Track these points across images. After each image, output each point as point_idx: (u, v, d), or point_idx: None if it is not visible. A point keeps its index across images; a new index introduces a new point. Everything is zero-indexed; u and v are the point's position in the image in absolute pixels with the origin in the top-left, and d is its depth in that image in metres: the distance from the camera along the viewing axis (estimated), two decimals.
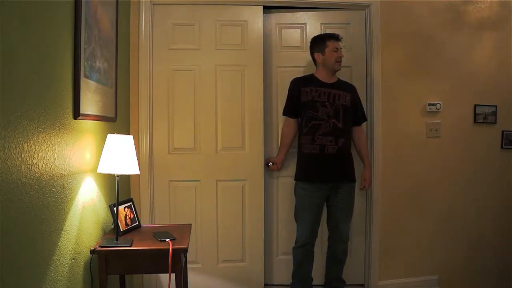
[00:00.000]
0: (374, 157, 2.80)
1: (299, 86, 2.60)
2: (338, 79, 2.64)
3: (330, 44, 2.54)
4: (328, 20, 2.90)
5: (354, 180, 2.61)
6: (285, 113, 2.69)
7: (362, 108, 2.70)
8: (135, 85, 2.66)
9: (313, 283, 2.69)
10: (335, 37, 2.56)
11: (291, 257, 2.65)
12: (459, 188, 2.92)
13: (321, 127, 2.50)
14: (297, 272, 2.62)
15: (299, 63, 2.87)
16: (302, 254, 2.57)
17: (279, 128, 2.82)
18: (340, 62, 2.57)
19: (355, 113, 2.62)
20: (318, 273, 2.80)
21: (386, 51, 2.80)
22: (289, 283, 2.69)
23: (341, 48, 2.58)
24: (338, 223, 2.57)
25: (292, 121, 2.66)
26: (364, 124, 2.72)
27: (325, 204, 2.59)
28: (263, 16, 2.81)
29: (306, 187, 2.54)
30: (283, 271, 2.83)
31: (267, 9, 2.87)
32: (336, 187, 2.53)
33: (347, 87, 2.62)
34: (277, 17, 2.91)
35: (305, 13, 2.90)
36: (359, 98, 2.67)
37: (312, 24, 2.90)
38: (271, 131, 2.87)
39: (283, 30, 2.90)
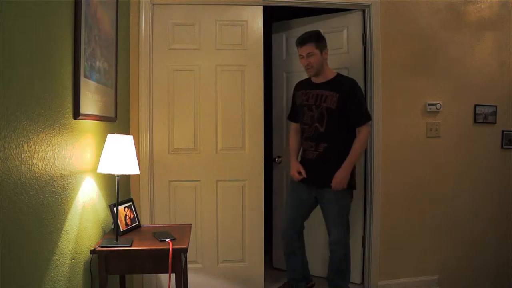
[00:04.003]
0: (374, 157, 2.80)
1: (295, 90, 2.65)
2: (335, 76, 2.48)
3: (298, 51, 2.46)
4: (329, 26, 2.95)
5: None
6: (288, 117, 2.72)
7: (358, 109, 2.41)
8: (135, 85, 2.66)
9: (316, 275, 2.78)
10: (298, 42, 2.45)
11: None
12: (459, 188, 2.92)
13: (305, 132, 2.49)
14: (287, 262, 2.62)
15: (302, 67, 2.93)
16: (286, 247, 2.57)
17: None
18: (309, 69, 2.44)
19: (348, 115, 2.40)
20: (319, 265, 2.81)
21: (386, 51, 2.80)
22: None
23: (309, 54, 2.39)
24: (328, 227, 2.51)
25: (294, 125, 2.67)
26: (366, 128, 2.41)
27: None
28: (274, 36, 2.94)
29: (293, 183, 2.56)
30: None
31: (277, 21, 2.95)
32: (320, 191, 2.45)
33: (338, 86, 2.41)
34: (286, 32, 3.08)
35: (310, 24, 2.96)
36: (353, 98, 2.39)
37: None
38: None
39: (290, 39, 3.05)
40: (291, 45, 3.07)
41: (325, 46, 2.45)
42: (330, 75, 2.47)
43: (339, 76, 2.48)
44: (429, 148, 2.87)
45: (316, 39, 2.42)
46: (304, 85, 2.56)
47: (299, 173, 2.49)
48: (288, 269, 2.62)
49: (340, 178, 2.35)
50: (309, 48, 2.39)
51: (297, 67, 3.02)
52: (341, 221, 2.45)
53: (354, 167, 2.43)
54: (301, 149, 2.60)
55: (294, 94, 2.63)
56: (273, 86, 3.20)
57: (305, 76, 2.95)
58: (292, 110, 2.67)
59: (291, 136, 2.67)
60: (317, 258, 2.94)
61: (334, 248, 2.47)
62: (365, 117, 2.42)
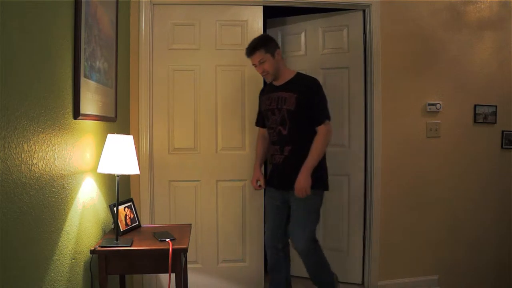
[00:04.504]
0: (374, 157, 2.80)
1: (260, 95, 2.55)
2: (294, 76, 2.37)
3: (251, 61, 2.37)
4: (327, 24, 2.95)
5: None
6: (255, 123, 2.63)
7: (316, 108, 2.28)
8: (135, 85, 2.66)
9: (295, 275, 2.70)
10: (246, 53, 2.35)
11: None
12: (458, 188, 2.92)
13: (271, 136, 2.41)
14: (271, 277, 2.50)
15: (300, 66, 2.95)
16: (270, 258, 2.46)
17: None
18: (266, 76, 2.36)
19: (308, 115, 2.28)
20: None
21: (386, 51, 2.80)
22: (299, 275, 2.74)
23: (261, 61, 2.30)
24: (292, 230, 2.34)
25: (261, 131, 2.58)
26: (324, 127, 2.27)
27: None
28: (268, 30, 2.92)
29: (268, 189, 2.47)
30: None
31: (270, 18, 2.92)
32: (290, 194, 2.31)
33: (296, 87, 2.30)
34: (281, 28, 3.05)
35: (306, 21, 2.97)
36: (311, 97, 2.27)
37: (312, 29, 2.96)
38: None
39: (285, 37, 3.04)
40: (287, 43, 3.06)
41: (276, 47, 2.33)
42: (289, 75, 2.37)
43: (297, 76, 2.37)
44: (429, 148, 2.87)
45: (264, 44, 2.30)
46: (268, 89, 2.46)
47: (259, 184, 2.46)
48: (271, 285, 2.49)
49: (300, 184, 2.21)
50: (259, 55, 2.29)
51: (293, 66, 3.00)
52: (305, 223, 2.28)
53: (325, 167, 2.35)
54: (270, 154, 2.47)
55: (259, 100, 2.54)
56: None
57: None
58: (258, 116, 2.57)
59: (257, 142, 2.61)
60: None
61: (302, 258, 2.33)
62: (323, 116, 2.28)
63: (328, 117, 2.30)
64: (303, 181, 2.22)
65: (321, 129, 2.28)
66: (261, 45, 2.30)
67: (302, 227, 2.29)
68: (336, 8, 2.87)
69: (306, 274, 2.93)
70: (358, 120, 2.88)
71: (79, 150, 1.70)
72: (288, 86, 2.33)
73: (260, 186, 2.50)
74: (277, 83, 2.39)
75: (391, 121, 2.82)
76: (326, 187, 2.37)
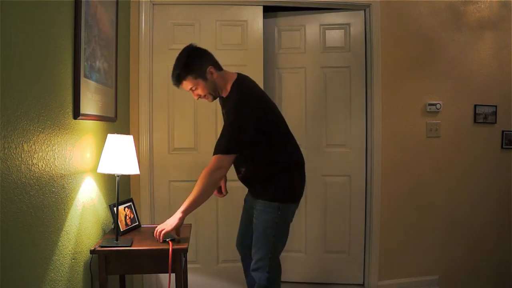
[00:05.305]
0: (374, 157, 2.80)
1: None
2: (230, 88, 1.91)
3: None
4: (327, 21, 2.93)
5: (264, 198, 1.91)
6: None
7: (221, 134, 1.85)
8: (135, 85, 2.66)
9: (296, 281, 2.67)
10: (173, 84, 1.90)
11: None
12: (458, 188, 2.92)
13: None
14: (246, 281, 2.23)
15: (299, 64, 2.94)
16: (242, 264, 2.22)
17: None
18: (206, 99, 1.95)
19: None
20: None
21: (386, 51, 2.80)
22: (293, 281, 2.71)
23: (193, 88, 1.88)
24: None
25: None
26: (215, 159, 1.79)
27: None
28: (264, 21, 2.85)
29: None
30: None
31: (267, 12, 2.88)
32: (255, 204, 1.98)
33: (229, 100, 1.89)
34: (277, 21, 2.97)
35: (304, 16, 2.93)
36: (231, 115, 1.84)
37: (312, 26, 2.94)
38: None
39: (282, 33, 2.97)
40: (284, 39, 2.96)
41: (206, 65, 1.86)
42: (229, 86, 1.92)
43: (231, 89, 1.91)
44: (429, 148, 2.87)
45: (188, 70, 1.84)
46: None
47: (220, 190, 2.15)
48: None
49: (164, 224, 1.84)
50: (187, 84, 1.87)
51: (291, 64, 2.96)
52: (258, 239, 1.91)
53: (288, 175, 1.92)
54: None
55: None
56: (264, 84, 3.04)
57: (302, 73, 2.94)
58: None
59: None
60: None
61: (253, 275, 1.96)
62: (219, 146, 1.81)
63: (225, 151, 1.79)
64: (168, 223, 1.83)
65: (210, 162, 1.80)
66: (186, 73, 1.84)
67: (255, 243, 1.93)
68: (335, 9, 2.87)
69: (298, 279, 2.93)
70: (359, 120, 2.88)
71: (79, 150, 1.70)
72: (226, 101, 1.94)
73: (221, 193, 2.16)
74: (223, 94, 1.96)
75: (391, 121, 2.82)
76: (286, 199, 1.92)
